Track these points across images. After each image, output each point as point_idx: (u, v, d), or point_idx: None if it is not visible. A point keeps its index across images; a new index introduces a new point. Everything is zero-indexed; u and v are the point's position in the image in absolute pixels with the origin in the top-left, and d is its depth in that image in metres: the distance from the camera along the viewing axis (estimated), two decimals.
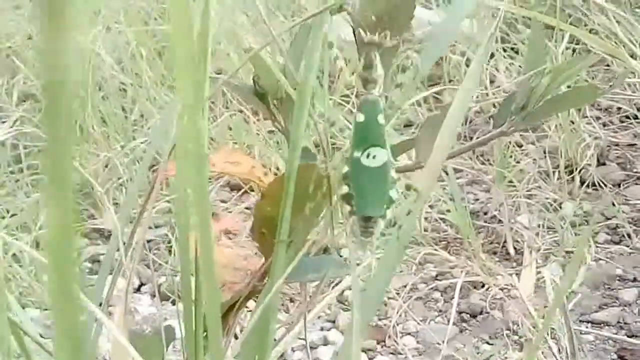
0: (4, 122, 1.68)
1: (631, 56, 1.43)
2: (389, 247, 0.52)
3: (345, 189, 0.47)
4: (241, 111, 1.46)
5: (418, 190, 0.50)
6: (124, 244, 0.56)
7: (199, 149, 0.43)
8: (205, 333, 0.53)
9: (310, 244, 0.49)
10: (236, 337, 0.67)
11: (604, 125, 1.46)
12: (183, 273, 0.50)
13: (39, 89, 1.70)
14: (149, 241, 1.29)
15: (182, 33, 0.41)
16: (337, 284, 1.05)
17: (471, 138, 1.43)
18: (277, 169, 1.38)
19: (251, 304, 0.60)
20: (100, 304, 0.56)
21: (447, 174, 1.32)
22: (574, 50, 1.62)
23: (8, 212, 1.33)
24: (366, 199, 0.47)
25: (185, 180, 0.45)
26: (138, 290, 1.19)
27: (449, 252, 1.21)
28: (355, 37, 0.61)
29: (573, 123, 1.37)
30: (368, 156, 0.47)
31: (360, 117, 0.48)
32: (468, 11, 0.63)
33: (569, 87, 0.63)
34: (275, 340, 0.62)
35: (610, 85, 0.58)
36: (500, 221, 1.26)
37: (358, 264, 1.11)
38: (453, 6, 0.63)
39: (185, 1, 0.40)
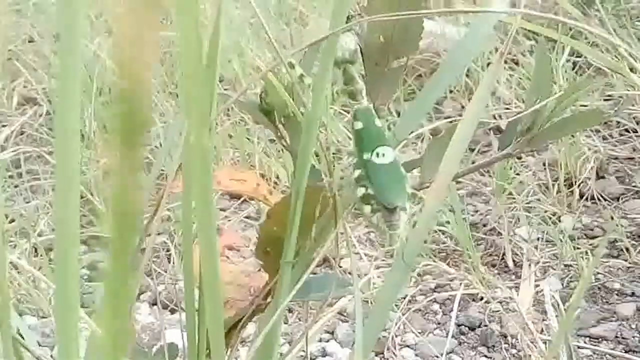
0: (4, 125, 1.68)
1: (631, 70, 1.43)
2: (394, 266, 0.52)
3: (362, 191, 0.50)
4: (242, 120, 1.46)
5: (422, 198, 0.52)
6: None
7: (205, 168, 0.43)
8: (208, 350, 0.54)
9: (315, 264, 0.49)
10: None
11: (604, 138, 1.46)
12: (186, 287, 0.50)
13: (39, 93, 1.71)
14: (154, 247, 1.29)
15: (190, 53, 0.41)
16: (339, 298, 1.05)
17: (472, 150, 1.43)
18: (277, 177, 1.38)
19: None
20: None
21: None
22: (574, 64, 1.63)
23: (7, 217, 1.33)
24: (389, 191, 0.50)
25: (192, 198, 0.46)
26: (137, 298, 1.19)
27: (448, 264, 1.22)
28: (362, 57, 0.61)
29: (573, 137, 1.37)
30: (378, 155, 0.51)
31: (359, 125, 0.52)
32: (487, 33, 0.63)
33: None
34: (280, 354, 0.62)
35: (616, 110, 0.59)
36: (499, 233, 1.26)
37: (359, 276, 1.11)
38: (473, 27, 0.63)
39: (194, 19, 0.40)
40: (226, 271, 0.61)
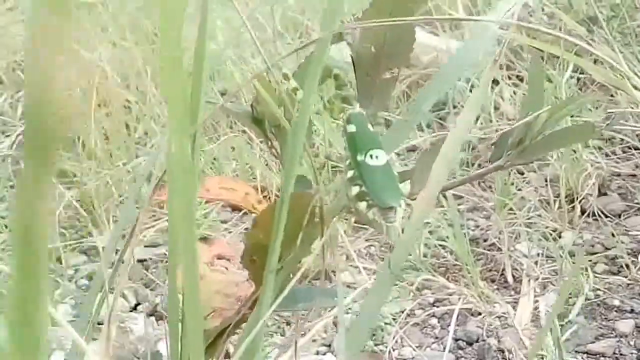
0: (7, 135, 1.69)
1: (635, 88, 1.43)
2: (380, 274, 0.52)
3: (356, 189, 0.51)
4: (245, 132, 1.46)
5: (410, 204, 0.53)
6: (112, 263, 0.56)
7: (187, 177, 0.43)
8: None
9: (300, 274, 0.49)
10: None
11: (606, 155, 1.46)
12: (170, 297, 0.50)
13: None
14: (146, 260, 1.29)
15: (170, 61, 0.41)
16: (333, 308, 1.05)
17: (473, 164, 1.43)
18: (279, 190, 1.38)
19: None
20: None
21: (446, 199, 1.32)
22: (578, 80, 1.62)
23: (6, 227, 1.33)
24: (383, 192, 0.51)
25: (174, 207, 0.46)
26: (134, 309, 1.19)
27: (447, 279, 1.21)
28: (354, 66, 0.61)
29: (575, 152, 1.37)
30: (371, 157, 0.52)
31: (352, 128, 0.53)
32: (482, 47, 0.63)
33: (572, 117, 0.62)
34: None
35: (608, 124, 0.59)
36: (499, 249, 1.26)
37: (348, 286, 1.11)
38: (471, 40, 0.63)
39: (177, 27, 0.40)
40: (215, 280, 0.60)
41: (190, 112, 0.50)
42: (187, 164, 0.44)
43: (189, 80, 0.45)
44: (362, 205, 0.50)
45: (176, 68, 0.42)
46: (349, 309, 1.15)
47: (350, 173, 0.51)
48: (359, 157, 0.52)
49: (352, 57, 0.60)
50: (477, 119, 1.59)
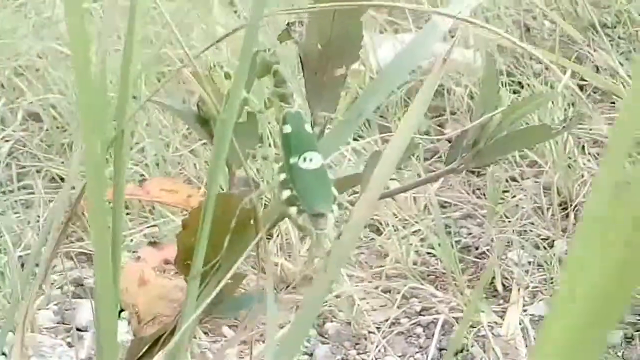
0: (7, 141, 1.68)
1: None
2: (315, 281, 0.50)
3: (287, 193, 0.49)
4: None
5: (348, 208, 0.51)
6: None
7: (99, 179, 0.41)
8: None
9: (227, 278, 0.48)
10: None
11: None
12: (97, 304, 0.48)
13: (42, 109, 1.70)
14: None
15: (80, 62, 0.39)
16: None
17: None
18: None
19: None
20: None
21: (442, 206, 1.30)
22: (580, 87, 1.60)
23: None
24: (314, 198, 0.49)
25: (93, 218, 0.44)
26: (118, 316, 1.17)
27: (436, 287, 1.19)
28: (302, 65, 0.59)
29: (570, 159, 1.35)
30: (305, 160, 0.50)
31: (288, 129, 0.51)
32: (439, 35, 0.61)
33: (564, 120, 0.60)
34: None
35: (564, 127, 0.56)
36: (491, 257, 1.24)
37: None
38: (424, 31, 0.62)
39: (85, 36, 0.39)
40: (159, 286, 0.59)
41: (119, 113, 0.49)
42: (99, 165, 0.43)
43: (104, 82, 0.44)
44: (293, 210, 0.48)
45: (86, 70, 0.41)
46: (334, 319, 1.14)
47: (282, 176, 0.49)
48: (292, 160, 0.49)
49: (299, 55, 0.58)
50: (481, 116, 1.57)
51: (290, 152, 0.50)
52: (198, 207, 0.48)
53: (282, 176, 0.49)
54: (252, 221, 0.50)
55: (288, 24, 0.57)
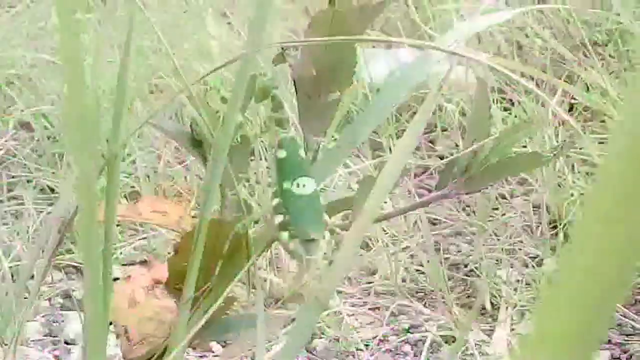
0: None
1: None
2: (305, 306, 0.50)
3: (280, 218, 0.49)
4: None
5: (339, 233, 0.51)
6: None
7: (90, 199, 0.42)
8: None
9: (219, 302, 0.48)
10: None
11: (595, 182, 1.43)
12: (88, 325, 0.49)
13: (34, 118, 1.70)
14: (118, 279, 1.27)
15: (74, 81, 0.40)
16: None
17: None
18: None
19: None
20: None
21: (431, 223, 1.31)
22: (571, 106, 1.60)
23: None
24: (305, 223, 0.49)
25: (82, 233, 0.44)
26: (107, 334, 1.17)
27: (424, 305, 1.20)
28: (295, 89, 0.60)
29: (560, 177, 1.35)
30: (298, 185, 0.50)
31: (282, 154, 0.52)
32: (433, 63, 0.61)
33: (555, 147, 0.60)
34: None
35: (554, 155, 0.57)
36: (480, 275, 1.24)
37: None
38: (419, 58, 0.62)
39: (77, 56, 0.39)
40: (149, 306, 0.59)
41: (113, 132, 0.49)
42: (92, 191, 0.43)
43: (95, 105, 0.44)
44: (285, 235, 0.48)
45: (79, 90, 0.41)
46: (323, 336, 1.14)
47: (275, 201, 0.50)
48: (285, 185, 0.50)
49: (293, 79, 0.58)
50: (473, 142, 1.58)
51: (283, 177, 0.50)
52: (190, 233, 0.49)
53: (276, 201, 0.50)
54: (243, 246, 0.50)
55: (283, 48, 0.58)
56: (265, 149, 0.58)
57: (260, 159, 0.56)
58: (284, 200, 0.50)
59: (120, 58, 0.47)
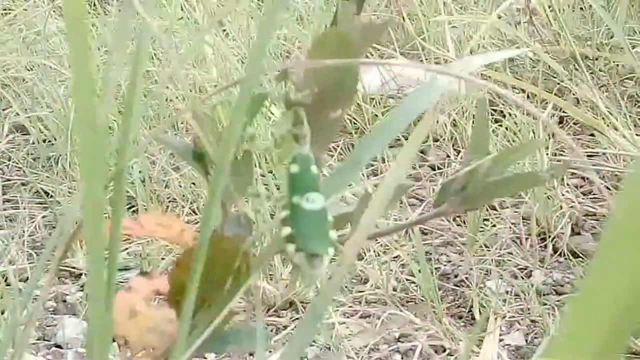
0: None
1: (615, 128, 1.43)
2: (304, 318, 0.52)
3: (287, 230, 0.50)
4: None
5: (342, 251, 0.52)
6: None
7: (97, 213, 0.43)
8: None
9: (220, 318, 0.49)
10: None
11: (583, 194, 1.46)
12: (90, 336, 0.50)
13: (29, 121, 1.71)
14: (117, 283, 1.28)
15: (82, 98, 0.41)
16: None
17: None
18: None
19: None
20: None
21: (422, 233, 1.32)
22: (561, 119, 1.62)
23: None
24: (312, 238, 0.50)
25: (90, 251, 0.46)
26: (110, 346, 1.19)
27: (415, 314, 1.21)
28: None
29: (550, 190, 1.37)
30: (308, 200, 0.51)
31: (295, 168, 0.52)
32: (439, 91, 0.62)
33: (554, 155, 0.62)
34: None
35: (552, 175, 0.58)
36: (469, 285, 1.26)
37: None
38: (420, 90, 0.63)
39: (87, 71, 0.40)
40: (149, 317, 0.60)
41: (121, 147, 0.50)
42: (98, 207, 0.44)
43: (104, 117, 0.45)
44: (290, 248, 0.50)
45: (89, 104, 0.42)
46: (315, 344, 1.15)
47: (284, 213, 0.51)
48: (295, 199, 0.51)
49: (295, 96, 0.60)
50: (458, 154, 1.60)
51: (294, 191, 0.51)
52: (191, 248, 0.50)
53: (284, 213, 0.51)
54: (245, 263, 0.51)
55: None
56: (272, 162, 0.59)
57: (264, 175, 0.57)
58: (293, 213, 0.50)
59: (130, 70, 0.49)
